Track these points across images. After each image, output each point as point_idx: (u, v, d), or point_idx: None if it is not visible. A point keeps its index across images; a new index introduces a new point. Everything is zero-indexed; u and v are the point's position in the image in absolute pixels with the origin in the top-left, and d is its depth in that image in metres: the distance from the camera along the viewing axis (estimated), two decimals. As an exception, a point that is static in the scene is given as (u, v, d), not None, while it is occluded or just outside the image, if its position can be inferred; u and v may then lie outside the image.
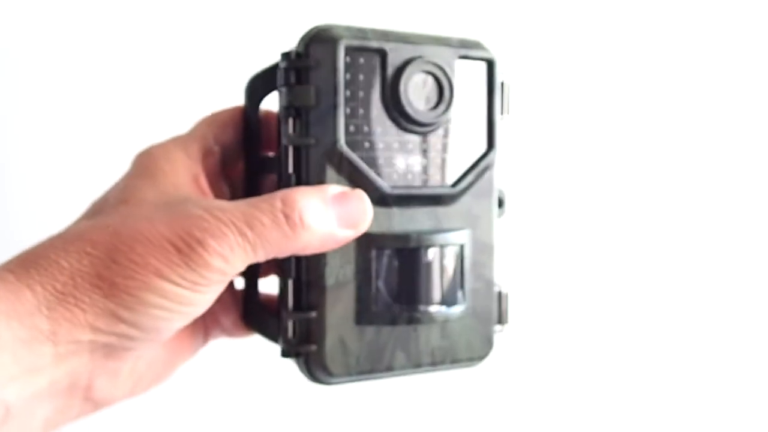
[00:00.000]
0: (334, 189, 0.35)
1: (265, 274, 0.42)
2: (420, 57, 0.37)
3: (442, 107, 0.38)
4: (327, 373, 0.37)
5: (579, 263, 0.69)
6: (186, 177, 0.38)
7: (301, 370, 0.38)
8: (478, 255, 0.40)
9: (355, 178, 0.36)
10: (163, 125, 0.44)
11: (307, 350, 0.37)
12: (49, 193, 0.57)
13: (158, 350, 0.38)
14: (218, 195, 0.41)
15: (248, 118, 0.41)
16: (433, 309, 0.38)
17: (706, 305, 0.72)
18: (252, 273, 0.42)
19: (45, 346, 0.31)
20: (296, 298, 0.37)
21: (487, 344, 0.41)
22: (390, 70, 0.37)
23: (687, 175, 0.72)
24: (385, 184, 0.37)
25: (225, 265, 0.32)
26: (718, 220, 0.72)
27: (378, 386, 0.42)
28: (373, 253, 0.37)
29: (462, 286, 0.39)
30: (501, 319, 0.41)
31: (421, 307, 0.38)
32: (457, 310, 0.39)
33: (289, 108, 0.36)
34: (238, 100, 0.42)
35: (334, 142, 0.36)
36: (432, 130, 0.38)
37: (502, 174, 0.41)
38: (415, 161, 0.38)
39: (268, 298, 0.42)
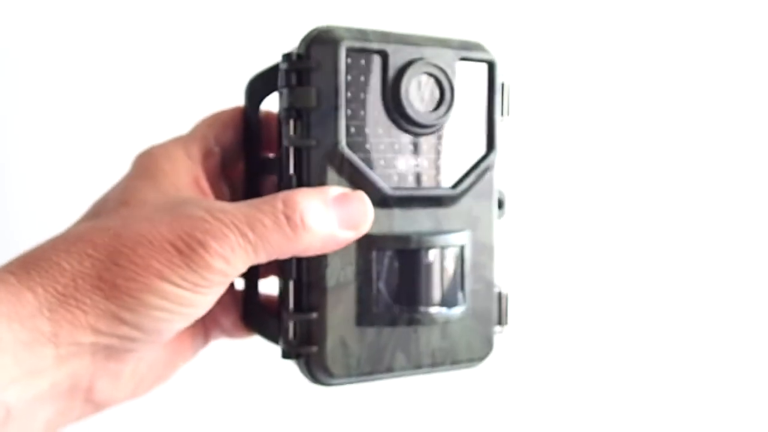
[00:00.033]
0: (335, 190, 0.35)
1: (265, 275, 0.42)
2: (421, 59, 0.37)
3: (443, 109, 0.38)
4: (328, 374, 0.37)
5: (578, 264, 0.69)
6: (187, 178, 0.38)
7: (302, 371, 0.38)
8: (478, 256, 0.40)
9: (356, 180, 0.36)
10: (164, 126, 0.44)
11: (308, 351, 0.37)
12: (49, 194, 0.57)
13: (159, 351, 0.38)
14: (218, 196, 0.41)
15: (248, 118, 0.41)
16: (434, 310, 0.38)
17: (706, 308, 0.73)
18: (252, 274, 0.42)
19: (46, 348, 0.31)
20: (297, 299, 0.37)
21: (487, 345, 0.41)
22: (391, 72, 0.37)
23: (687, 176, 0.72)
24: (385, 185, 0.37)
25: (226, 266, 0.32)
26: (717, 224, 0.73)
27: (378, 387, 0.42)
28: (374, 254, 0.37)
29: (462, 288, 0.39)
30: (501, 320, 0.42)
31: (422, 309, 0.38)
32: (457, 311, 0.39)
33: (290, 109, 0.36)
34: (238, 100, 0.42)
35: (335, 143, 0.36)
36: (433, 132, 0.38)
37: (502, 175, 0.41)
38: (416, 162, 0.38)
39: (268, 299, 0.42)
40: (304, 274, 0.37)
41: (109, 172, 0.41)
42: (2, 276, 0.31)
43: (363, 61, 0.36)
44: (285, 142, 0.37)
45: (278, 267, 0.39)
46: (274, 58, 0.39)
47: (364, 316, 0.37)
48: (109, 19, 0.58)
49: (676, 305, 0.72)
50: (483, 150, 0.40)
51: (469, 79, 0.39)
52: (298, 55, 0.36)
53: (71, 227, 0.36)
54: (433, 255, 0.38)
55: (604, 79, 0.69)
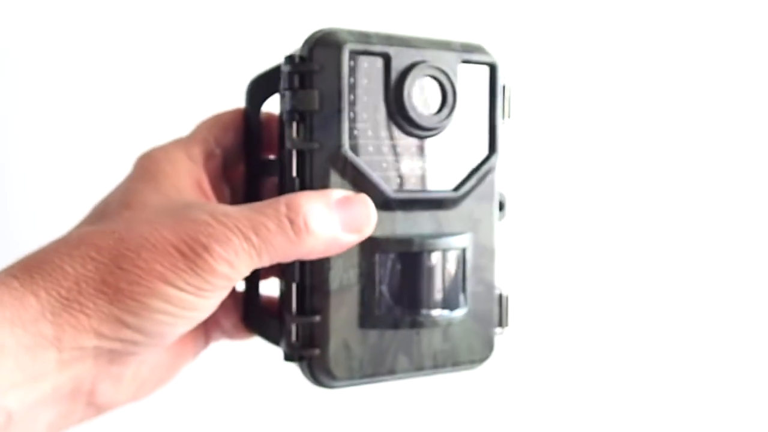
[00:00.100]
0: (338, 193, 0.35)
1: (266, 276, 0.42)
2: (423, 61, 0.37)
3: (445, 111, 0.38)
4: (330, 376, 0.37)
5: (579, 266, 0.70)
6: (188, 180, 0.38)
7: (304, 374, 0.38)
8: (479, 258, 0.40)
9: (359, 183, 0.36)
10: (165, 127, 0.44)
11: (311, 354, 0.37)
12: (50, 196, 0.57)
13: (161, 354, 0.38)
14: (220, 197, 0.41)
15: (249, 120, 0.41)
16: (436, 313, 0.38)
17: (706, 310, 0.73)
18: (253, 275, 0.41)
19: (49, 352, 0.31)
20: (300, 302, 0.37)
21: (488, 347, 0.41)
22: (393, 75, 0.37)
23: (688, 179, 0.72)
24: (388, 188, 0.37)
25: (230, 270, 0.32)
26: (718, 226, 0.73)
27: (379, 389, 0.42)
28: (377, 257, 0.37)
29: (464, 290, 0.39)
30: (502, 322, 0.42)
31: (424, 311, 0.38)
32: (459, 313, 0.39)
33: (293, 112, 0.36)
34: (239, 102, 0.41)
35: (338, 146, 0.36)
36: (435, 134, 0.38)
37: (503, 178, 0.41)
38: (418, 165, 0.38)
39: (269, 301, 0.42)
40: (307, 277, 0.37)
41: (110, 174, 0.41)
42: (5, 280, 0.31)
43: (366, 64, 0.36)
44: (288, 145, 0.37)
45: (280, 269, 0.39)
46: (275, 59, 0.39)
47: (367, 318, 0.37)
48: (111, 20, 0.57)
49: (677, 307, 0.72)
50: (484, 152, 0.40)
51: (470, 82, 0.39)
52: (301, 58, 0.36)
53: (73, 230, 0.36)
54: (435, 258, 0.38)
55: (606, 82, 0.69)
